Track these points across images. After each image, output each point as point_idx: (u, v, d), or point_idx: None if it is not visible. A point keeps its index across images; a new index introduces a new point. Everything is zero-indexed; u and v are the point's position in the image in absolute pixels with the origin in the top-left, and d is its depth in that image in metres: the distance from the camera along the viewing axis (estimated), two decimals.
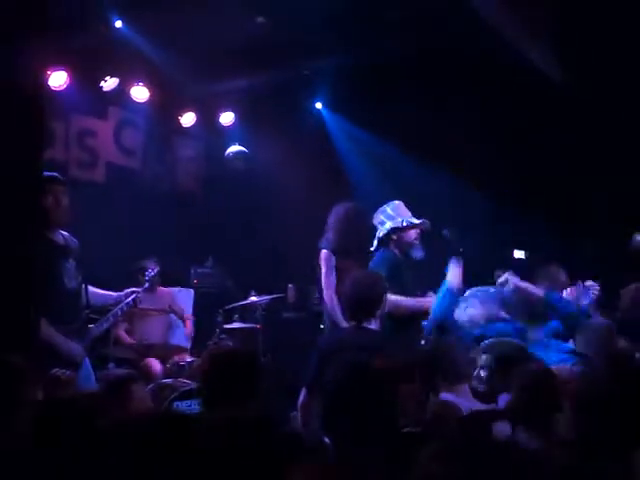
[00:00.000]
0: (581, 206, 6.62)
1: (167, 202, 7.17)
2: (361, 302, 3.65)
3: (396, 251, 4.53)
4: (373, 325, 3.63)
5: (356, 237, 4.74)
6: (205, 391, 2.67)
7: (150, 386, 4.45)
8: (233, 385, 2.49)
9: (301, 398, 3.60)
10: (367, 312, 3.61)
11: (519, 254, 7.14)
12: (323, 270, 4.69)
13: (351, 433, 2.16)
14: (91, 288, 3.95)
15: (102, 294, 4.14)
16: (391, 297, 4.07)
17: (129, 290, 4.19)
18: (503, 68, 6.14)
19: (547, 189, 6.73)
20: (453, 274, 4.12)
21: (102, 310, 4.08)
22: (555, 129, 6.54)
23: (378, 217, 4.60)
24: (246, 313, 6.12)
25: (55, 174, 3.81)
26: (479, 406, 2.84)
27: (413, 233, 4.53)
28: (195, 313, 6.17)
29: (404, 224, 4.49)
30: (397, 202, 4.63)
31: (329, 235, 4.78)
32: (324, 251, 4.73)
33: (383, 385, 2.26)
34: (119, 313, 4.07)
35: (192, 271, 6.84)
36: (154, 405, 4.11)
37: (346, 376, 2.33)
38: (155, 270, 4.62)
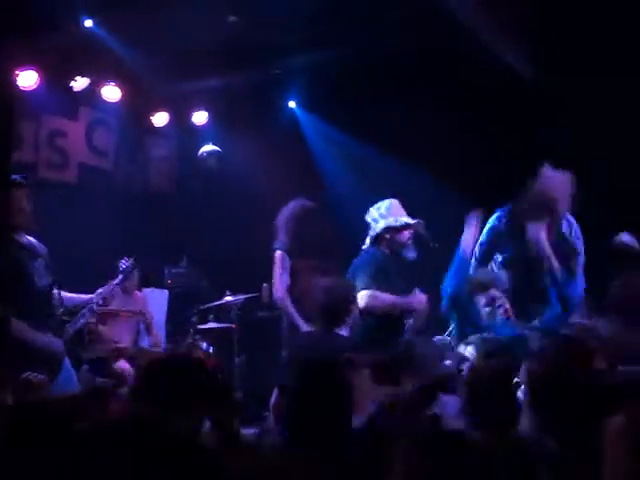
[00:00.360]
0: None
1: (140, 202, 7.15)
2: (331, 310, 3.73)
3: (387, 251, 4.51)
4: (343, 331, 3.71)
5: (306, 237, 4.75)
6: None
7: (121, 389, 4.44)
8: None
9: (273, 398, 3.67)
10: (337, 319, 3.70)
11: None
12: (277, 271, 4.68)
13: (310, 433, 2.19)
14: (64, 293, 3.96)
15: (76, 297, 4.19)
16: (376, 293, 4.14)
17: (103, 289, 4.23)
18: (478, 67, 6.19)
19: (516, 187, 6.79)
20: (468, 233, 4.17)
21: (76, 311, 4.08)
22: (532, 127, 6.61)
23: (372, 214, 4.58)
24: (221, 313, 6.12)
25: (17, 176, 3.81)
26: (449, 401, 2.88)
27: (406, 233, 4.50)
28: (169, 314, 6.17)
29: (398, 224, 4.48)
30: (392, 200, 4.61)
31: (280, 236, 4.78)
32: (278, 252, 4.73)
33: (345, 388, 2.29)
34: (94, 308, 4.09)
35: (166, 271, 6.82)
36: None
37: (309, 378, 2.36)
38: (129, 262, 4.59)
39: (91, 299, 4.14)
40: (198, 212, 7.17)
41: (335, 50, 6.30)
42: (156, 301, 6.18)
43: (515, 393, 2.52)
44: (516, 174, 6.81)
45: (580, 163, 6.24)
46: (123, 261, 4.62)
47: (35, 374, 3.04)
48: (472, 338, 3.47)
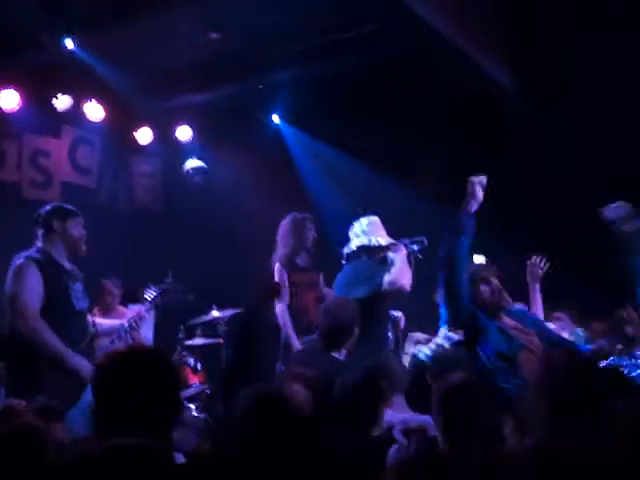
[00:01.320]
0: (537, 212, 6.79)
1: (125, 220, 7.16)
2: (332, 333, 3.73)
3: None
4: (341, 355, 3.69)
5: (303, 250, 4.81)
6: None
7: None
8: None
9: None
10: (337, 342, 3.69)
11: (479, 259, 7.27)
12: None
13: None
14: (97, 319, 4.21)
15: (105, 322, 4.38)
16: None
17: (131, 315, 4.41)
18: (460, 79, 6.29)
19: (503, 197, 6.88)
20: None
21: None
22: (509, 138, 6.71)
23: (352, 229, 4.67)
24: (208, 328, 6.13)
25: (71, 207, 4.10)
26: (412, 417, 2.90)
27: (380, 253, 4.54)
28: (156, 330, 6.18)
29: (371, 244, 4.52)
30: (372, 218, 4.66)
31: (279, 249, 4.84)
32: (277, 265, 4.79)
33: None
34: (122, 335, 4.19)
35: (152, 288, 6.82)
36: None
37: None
38: (158, 292, 4.65)
39: (120, 325, 4.24)
40: (184, 228, 7.19)
41: (318, 64, 6.38)
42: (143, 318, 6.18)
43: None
44: (504, 188, 6.96)
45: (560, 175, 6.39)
46: (151, 290, 4.67)
47: (18, 401, 3.04)
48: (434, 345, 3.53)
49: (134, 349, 2.31)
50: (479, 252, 7.23)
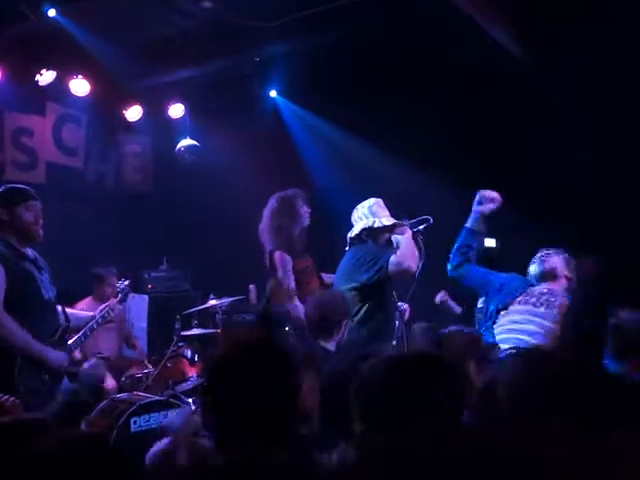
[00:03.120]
0: (548, 188, 6.66)
1: (114, 202, 7.04)
2: (319, 323, 3.74)
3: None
4: (331, 345, 3.71)
5: (294, 233, 4.65)
6: None
7: (103, 403, 4.31)
8: None
9: None
10: (325, 333, 3.72)
11: (490, 242, 7.15)
12: (281, 274, 4.56)
13: None
14: (68, 309, 3.97)
15: (81, 314, 4.19)
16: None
17: (103, 305, 4.21)
18: (467, 51, 6.11)
19: (513, 172, 6.75)
20: None
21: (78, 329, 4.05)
22: (521, 114, 6.56)
23: (354, 214, 4.52)
24: (205, 318, 6.01)
25: (29, 189, 3.81)
26: None
27: (386, 235, 4.43)
28: (150, 320, 6.05)
29: (376, 225, 4.40)
30: (375, 200, 4.53)
31: (275, 236, 4.65)
32: (277, 253, 4.60)
33: None
34: (94, 326, 4.05)
35: (145, 275, 6.70)
36: (108, 422, 4.02)
37: None
38: (126, 282, 4.50)
39: (93, 317, 4.09)
40: (177, 211, 7.06)
41: (318, 36, 6.18)
42: (136, 308, 6.06)
43: None
44: (508, 164, 6.84)
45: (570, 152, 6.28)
46: (120, 282, 4.53)
47: (6, 397, 2.91)
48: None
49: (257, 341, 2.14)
50: (492, 236, 7.15)
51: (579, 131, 6.07)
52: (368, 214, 4.45)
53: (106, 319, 4.13)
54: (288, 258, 4.57)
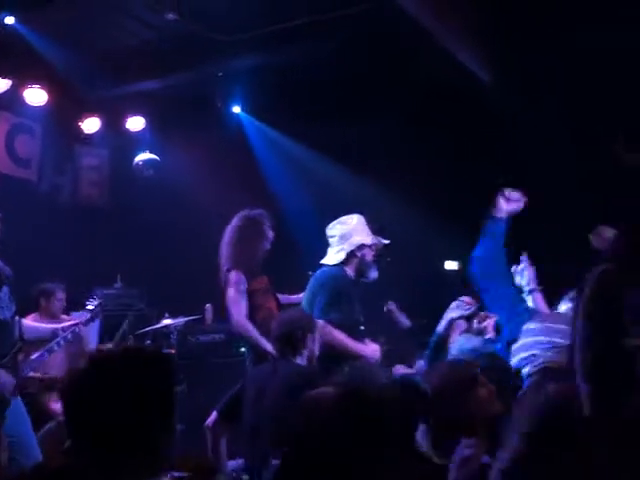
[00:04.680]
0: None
1: (68, 216, 6.95)
2: (284, 341, 3.80)
3: (351, 272, 4.41)
4: (299, 360, 3.77)
5: (255, 253, 4.64)
6: None
7: (49, 425, 4.22)
8: None
9: (211, 418, 3.76)
10: (292, 348, 3.78)
11: (451, 265, 7.24)
12: (233, 295, 4.50)
13: None
14: (24, 321, 3.87)
15: (37, 327, 4.13)
16: (330, 329, 4.15)
17: (68, 324, 4.14)
18: (432, 70, 6.22)
19: (475, 195, 6.85)
20: None
21: (35, 343, 3.94)
22: (485, 135, 6.67)
23: (340, 229, 4.47)
24: (159, 338, 5.95)
25: None
26: None
27: (371, 251, 4.45)
28: (102, 340, 5.95)
29: (372, 242, 4.39)
30: (359, 216, 4.52)
31: (235, 255, 4.62)
32: (233, 273, 4.57)
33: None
34: (55, 348, 3.96)
35: (97, 292, 6.59)
36: (52, 445, 3.93)
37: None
38: (98, 301, 4.40)
39: (55, 329, 3.98)
40: (134, 227, 6.98)
41: (284, 52, 6.22)
42: (87, 327, 5.95)
43: None
44: (476, 182, 6.94)
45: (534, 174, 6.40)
46: (91, 300, 4.40)
47: None
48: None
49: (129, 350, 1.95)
50: (453, 258, 7.25)
51: (547, 152, 6.21)
52: (360, 230, 4.47)
53: (69, 340, 4.03)
54: (243, 278, 4.53)
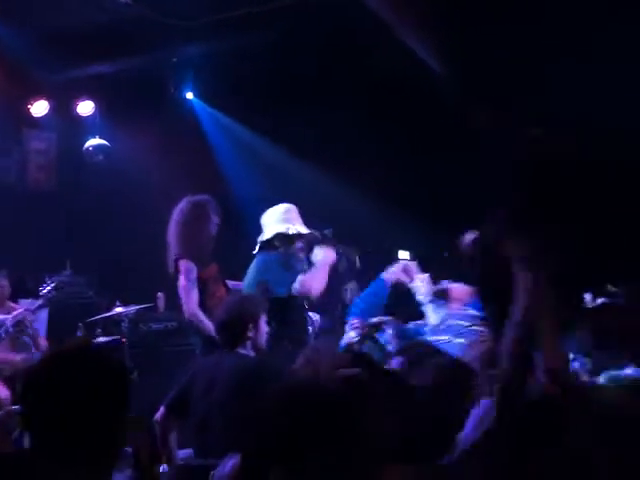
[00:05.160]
0: (467, 204, 6.88)
1: (15, 202, 6.81)
2: (224, 331, 3.67)
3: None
4: (246, 350, 3.64)
5: (203, 240, 4.63)
6: None
7: None
8: None
9: (158, 414, 3.63)
10: (236, 338, 3.64)
11: (404, 255, 7.31)
12: (184, 283, 4.47)
13: None
14: None
15: None
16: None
17: (15, 312, 3.97)
18: (387, 62, 6.26)
19: (428, 187, 6.96)
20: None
21: None
22: (439, 128, 6.76)
23: (265, 218, 4.48)
24: (110, 326, 5.89)
25: None
26: None
27: (298, 243, 4.41)
28: (51, 328, 5.87)
29: (290, 232, 4.37)
30: (288, 206, 4.50)
31: (177, 243, 4.60)
32: (183, 261, 4.55)
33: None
34: (2, 335, 3.85)
35: (46, 280, 6.49)
36: (2, 436, 3.87)
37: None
38: (52, 285, 4.27)
39: (5, 319, 3.88)
40: (83, 213, 6.91)
41: (239, 39, 6.19)
42: (35, 315, 5.86)
43: None
44: (429, 173, 7.05)
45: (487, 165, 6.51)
46: (45, 284, 4.27)
47: None
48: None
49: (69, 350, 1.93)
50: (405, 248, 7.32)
51: (498, 146, 6.32)
52: (282, 219, 4.44)
53: (20, 329, 3.93)
54: (193, 266, 4.52)
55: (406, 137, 6.94)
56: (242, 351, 3.64)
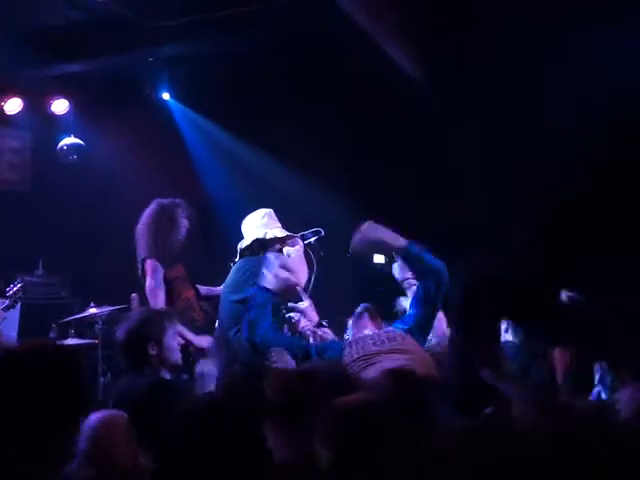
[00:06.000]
0: (442, 207, 6.92)
1: None
2: (128, 346, 3.46)
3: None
4: (147, 374, 3.43)
5: (171, 241, 4.61)
6: None
7: None
8: None
9: None
10: (139, 356, 3.43)
11: (379, 259, 7.33)
12: (151, 284, 4.47)
13: None
14: None
15: None
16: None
17: None
18: (365, 63, 6.30)
19: (403, 191, 6.99)
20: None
21: None
22: (413, 131, 6.80)
23: (245, 225, 4.51)
24: (83, 327, 5.85)
25: None
26: None
27: (277, 247, 4.44)
28: (23, 329, 5.80)
29: (267, 237, 4.40)
30: (265, 210, 4.54)
31: (145, 243, 4.59)
32: (149, 262, 4.53)
33: None
34: None
35: (18, 280, 6.42)
36: None
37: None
38: (18, 286, 4.22)
39: None
40: (56, 213, 6.84)
41: (216, 40, 6.19)
42: (6, 315, 5.79)
43: None
44: (401, 179, 7.09)
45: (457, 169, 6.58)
46: (12, 285, 4.22)
47: None
48: None
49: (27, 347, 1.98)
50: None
51: (477, 151, 6.38)
52: (260, 225, 4.47)
53: None
54: (159, 266, 4.51)
55: (383, 144, 6.97)
56: (149, 371, 3.40)
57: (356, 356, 3.43)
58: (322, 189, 6.98)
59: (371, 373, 3.17)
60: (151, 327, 3.48)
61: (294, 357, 3.55)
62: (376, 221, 4.42)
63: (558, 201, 6.15)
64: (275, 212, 4.66)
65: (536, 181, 6.26)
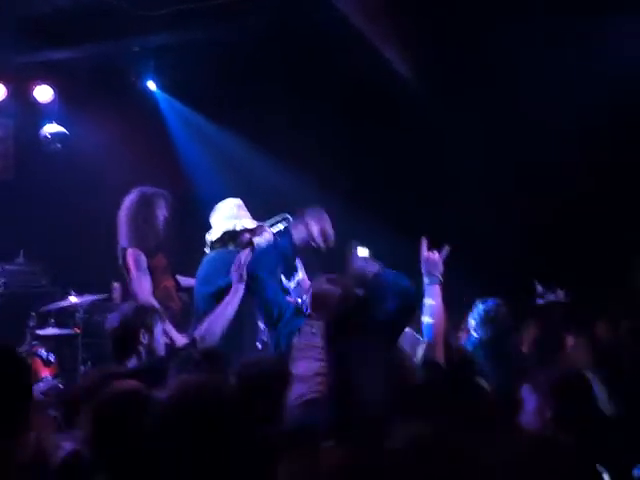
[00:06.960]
0: (432, 204, 6.94)
1: None
2: (121, 332, 3.49)
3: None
4: (133, 362, 3.45)
5: (152, 230, 4.59)
6: None
7: None
8: None
9: None
10: (123, 350, 3.46)
11: (363, 252, 7.33)
12: (134, 273, 4.44)
13: None
14: None
15: None
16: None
17: None
18: (358, 62, 6.29)
19: (394, 187, 7.00)
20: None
21: None
22: (409, 131, 6.81)
23: (214, 215, 4.47)
24: (64, 316, 5.81)
25: None
26: None
27: (247, 236, 4.37)
28: (2, 318, 5.77)
29: (237, 228, 4.36)
30: (233, 201, 4.51)
31: (127, 232, 4.56)
32: (130, 250, 4.51)
33: None
34: None
35: None
36: None
37: None
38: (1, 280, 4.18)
39: None
40: (39, 201, 6.80)
41: (204, 30, 6.15)
42: None
43: None
44: (387, 174, 7.09)
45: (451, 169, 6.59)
46: None
47: None
48: None
49: None
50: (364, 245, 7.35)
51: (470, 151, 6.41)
52: (229, 216, 4.43)
53: None
54: (142, 256, 4.49)
55: (376, 141, 6.97)
56: (130, 364, 3.42)
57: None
58: (315, 183, 6.97)
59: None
60: (145, 316, 3.58)
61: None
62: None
63: (558, 201, 6.22)
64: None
65: (536, 182, 6.30)
